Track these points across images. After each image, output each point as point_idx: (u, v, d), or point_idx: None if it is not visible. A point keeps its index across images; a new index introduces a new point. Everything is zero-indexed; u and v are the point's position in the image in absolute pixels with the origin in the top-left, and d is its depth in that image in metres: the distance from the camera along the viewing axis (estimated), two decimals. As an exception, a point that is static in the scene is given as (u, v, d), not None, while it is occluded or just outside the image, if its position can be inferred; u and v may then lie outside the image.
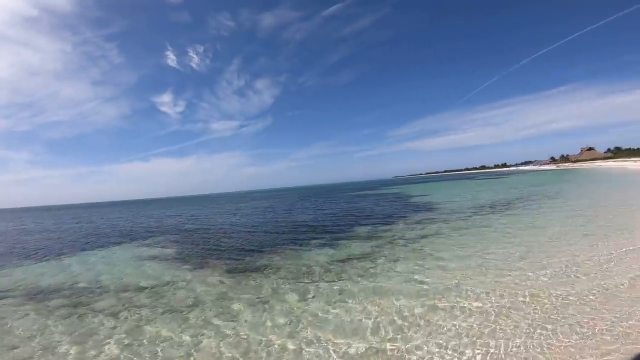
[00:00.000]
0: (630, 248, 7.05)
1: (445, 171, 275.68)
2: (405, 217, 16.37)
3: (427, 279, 6.38)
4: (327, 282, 6.90)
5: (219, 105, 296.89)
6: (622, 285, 5.11)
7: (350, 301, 5.64)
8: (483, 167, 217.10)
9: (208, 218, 27.11)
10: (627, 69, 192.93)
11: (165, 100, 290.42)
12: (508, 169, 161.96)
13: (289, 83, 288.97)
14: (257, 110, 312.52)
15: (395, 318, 4.76)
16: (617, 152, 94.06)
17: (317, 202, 35.55)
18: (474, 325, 4.28)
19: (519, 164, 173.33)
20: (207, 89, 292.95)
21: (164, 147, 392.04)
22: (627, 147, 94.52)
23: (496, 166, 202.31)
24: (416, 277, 6.60)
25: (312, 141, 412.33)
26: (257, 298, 6.25)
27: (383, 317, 4.82)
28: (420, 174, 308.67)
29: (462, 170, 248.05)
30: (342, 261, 8.52)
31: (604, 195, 18.71)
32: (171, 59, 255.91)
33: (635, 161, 51.06)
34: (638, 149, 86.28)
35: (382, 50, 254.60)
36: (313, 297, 6.07)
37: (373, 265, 7.77)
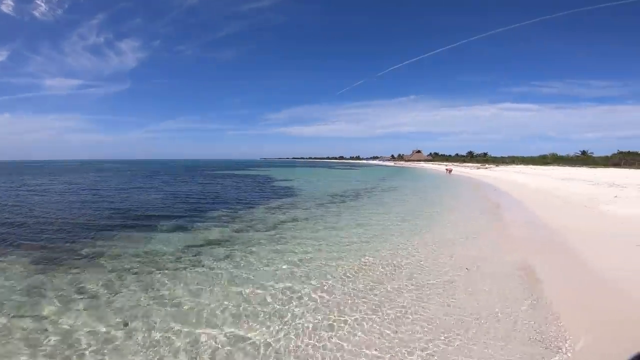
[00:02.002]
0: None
1: (310, 157, 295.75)
2: (262, 203, 15.89)
3: (259, 273, 6.02)
4: (164, 272, 5.94)
5: (62, 61, 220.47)
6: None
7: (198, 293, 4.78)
8: (342, 158, 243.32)
9: (12, 193, 20.12)
10: (457, 89, 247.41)
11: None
12: (360, 161, 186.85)
13: (163, 49, 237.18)
14: (112, 71, 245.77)
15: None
16: (435, 157, 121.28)
17: (173, 180, 31.60)
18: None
19: (369, 158, 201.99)
20: (49, 42, 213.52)
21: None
22: (442, 153, 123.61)
23: (352, 158, 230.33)
24: (244, 272, 6.15)
25: (178, 114, 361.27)
26: (85, 293, 5.26)
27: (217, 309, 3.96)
28: (287, 158, 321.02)
29: (324, 158, 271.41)
30: (185, 250, 7.32)
31: (424, 190, 23.13)
32: (7, 4, 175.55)
33: (445, 165, 67.49)
34: (449, 155, 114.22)
35: (273, 35, 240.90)
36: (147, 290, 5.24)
37: (216, 256, 6.91)
